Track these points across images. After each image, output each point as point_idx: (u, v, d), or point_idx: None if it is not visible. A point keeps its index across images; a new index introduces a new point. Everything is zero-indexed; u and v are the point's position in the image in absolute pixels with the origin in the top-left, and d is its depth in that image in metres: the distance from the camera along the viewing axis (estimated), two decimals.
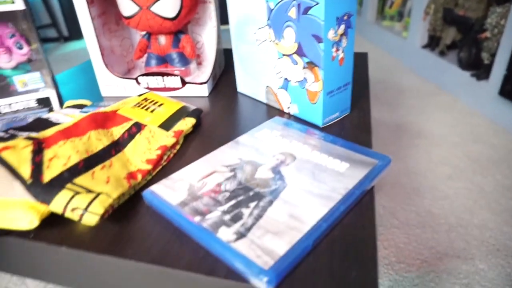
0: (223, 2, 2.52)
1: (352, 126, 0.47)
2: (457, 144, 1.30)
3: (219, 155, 0.40)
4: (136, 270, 0.29)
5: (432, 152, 1.26)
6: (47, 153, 0.32)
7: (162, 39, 0.61)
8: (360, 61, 0.71)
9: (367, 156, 0.38)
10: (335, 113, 0.48)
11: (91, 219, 0.29)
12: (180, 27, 0.60)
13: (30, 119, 0.49)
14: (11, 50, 0.51)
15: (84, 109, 0.49)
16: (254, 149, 0.41)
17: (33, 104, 0.53)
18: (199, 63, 0.69)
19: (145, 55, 0.64)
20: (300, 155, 0.39)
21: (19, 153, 0.30)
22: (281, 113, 0.52)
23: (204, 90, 0.58)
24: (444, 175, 1.13)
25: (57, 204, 0.29)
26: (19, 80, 0.52)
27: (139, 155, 0.39)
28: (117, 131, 0.41)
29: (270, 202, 0.33)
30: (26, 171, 0.29)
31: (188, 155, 0.43)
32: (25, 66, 0.53)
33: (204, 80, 0.58)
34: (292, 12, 0.43)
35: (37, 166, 0.30)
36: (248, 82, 0.56)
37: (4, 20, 0.50)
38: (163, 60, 0.63)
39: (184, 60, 0.63)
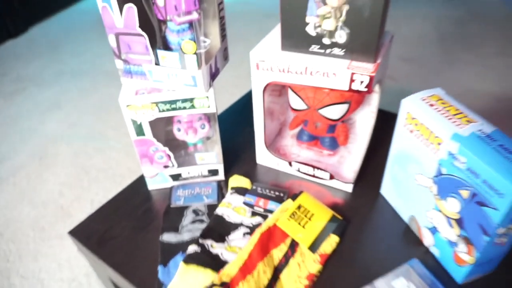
0: None
1: None
2: None
3: None
4: None
5: None
6: None
7: (319, 124, 0.65)
8: None
9: None
10: (478, 274, 0.48)
11: None
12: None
13: (205, 197, 0.61)
14: (196, 130, 0.62)
15: (247, 200, 0.58)
16: None
17: (206, 173, 0.64)
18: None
19: (298, 128, 0.69)
20: None
21: None
22: (419, 242, 0.54)
23: (349, 187, 0.62)
24: None
25: None
26: (199, 157, 0.63)
27: (291, 284, 0.47)
28: (277, 255, 0.49)
29: None
30: None
31: (328, 278, 0.50)
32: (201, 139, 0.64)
33: (350, 178, 0.62)
34: (465, 194, 0.43)
35: None
36: (395, 196, 0.58)
37: None
38: (315, 137, 0.68)
39: (335, 145, 0.66)
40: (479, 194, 0.41)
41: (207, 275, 0.46)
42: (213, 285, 0.42)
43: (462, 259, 0.47)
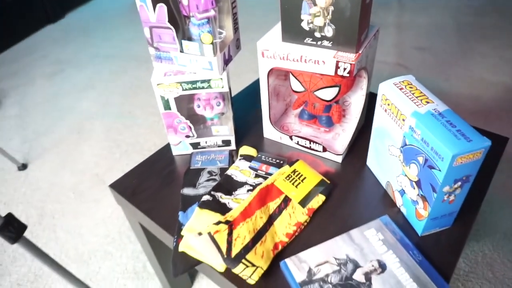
0: None
1: (446, 243, 0.59)
2: None
3: (333, 246, 0.58)
4: None
5: None
6: (234, 234, 0.55)
7: (317, 104, 0.76)
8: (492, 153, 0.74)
9: None
10: (435, 228, 0.59)
11: (251, 281, 0.52)
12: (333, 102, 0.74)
13: (218, 162, 0.74)
14: (213, 107, 0.74)
15: (252, 165, 0.71)
16: (359, 249, 0.57)
17: (220, 143, 0.77)
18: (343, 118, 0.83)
19: (300, 108, 0.81)
20: (390, 266, 0.54)
21: (222, 235, 0.54)
22: (393, 203, 0.65)
23: (339, 158, 0.74)
24: None
25: (236, 270, 0.52)
26: (215, 130, 0.76)
27: (282, 228, 0.60)
28: (272, 206, 0.62)
29: None
30: (224, 248, 0.53)
31: (314, 227, 0.62)
32: (217, 115, 0.77)
33: (340, 151, 0.73)
34: (420, 159, 0.54)
35: (229, 245, 0.53)
36: (376, 165, 0.69)
37: None
38: (314, 116, 0.79)
39: (330, 123, 0.78)
40: (429, 159, 0.52)
41: (216, 217, 0.60)
42: (219, 222, 0.55)
43: (421, 214, 0.58)
